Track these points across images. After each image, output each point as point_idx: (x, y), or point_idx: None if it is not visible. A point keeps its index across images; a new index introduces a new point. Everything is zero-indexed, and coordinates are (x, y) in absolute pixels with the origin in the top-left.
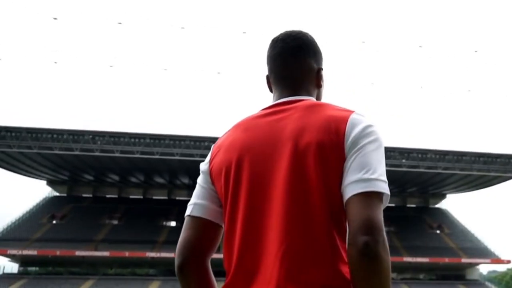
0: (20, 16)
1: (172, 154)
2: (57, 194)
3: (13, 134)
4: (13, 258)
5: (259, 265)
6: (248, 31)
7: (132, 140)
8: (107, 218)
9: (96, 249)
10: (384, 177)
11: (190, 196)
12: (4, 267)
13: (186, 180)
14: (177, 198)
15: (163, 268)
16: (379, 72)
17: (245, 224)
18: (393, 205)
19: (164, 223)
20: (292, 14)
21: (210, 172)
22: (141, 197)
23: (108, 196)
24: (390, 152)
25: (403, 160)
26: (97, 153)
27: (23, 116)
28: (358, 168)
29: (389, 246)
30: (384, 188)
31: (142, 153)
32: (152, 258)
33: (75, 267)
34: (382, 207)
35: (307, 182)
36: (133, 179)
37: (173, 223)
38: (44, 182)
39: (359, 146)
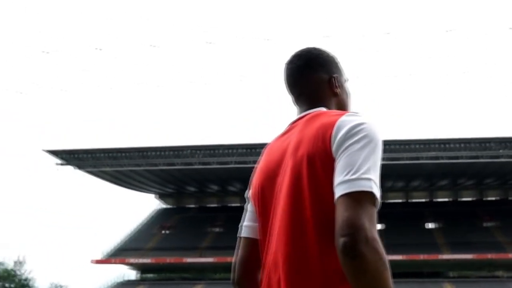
0: (124, 46)
1: None
2: (166, 206)
3: (125, 154)
4: (133, 266)
5: (270, 276)
6: (331, 34)
7: (227, 151)
8: (210, 226)
9: (202, 256)
10: (369, 174)
11: None
12: (124, 275)
13: None
14: None
15: None
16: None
17: (267, 238)
18: (493, 198)
19: None
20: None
21: (250, 197)
22: (239, 205)
23: (210, 205)
24: (486, 143)
25: (500, 151)
26: (196, 166)
27: (132, 137)
28: (341, 171)
29: (492, 241)
30: (366, 185)
31: (236, 162)
32: None
33: (185, 272)
34: (368, 205)
35: (301, 195)
36: (231, 188)
37: None
38: (153, 196)
39: (343, 148)
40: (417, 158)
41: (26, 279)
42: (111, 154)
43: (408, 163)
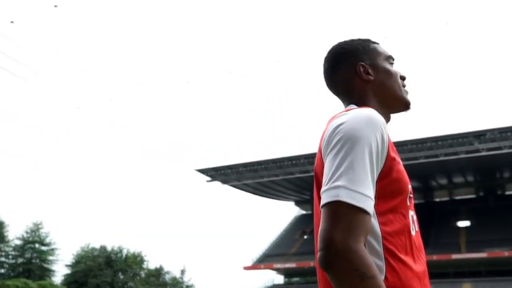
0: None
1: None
2: (304, 212)
3: (263, 166)
4: (278, 271)
5: None
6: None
7: None
8: None
9: None
10: (338, 181)
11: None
12: (273, 279)
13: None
14: (436, 200)
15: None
16: None
17: None
18: None
19: None
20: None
21: None
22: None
23: None
24: None
25: None
26: None
27: (268, 149)
28: (322, 183)
29: None
30: (333, 195)
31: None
32: None
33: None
34: (343, 214)
35: (316, 208)
36: None
37: None
38: (292, 203)
39: (325, 157)
40: None
41: (188, 286)
42: (251, 167)
43: None
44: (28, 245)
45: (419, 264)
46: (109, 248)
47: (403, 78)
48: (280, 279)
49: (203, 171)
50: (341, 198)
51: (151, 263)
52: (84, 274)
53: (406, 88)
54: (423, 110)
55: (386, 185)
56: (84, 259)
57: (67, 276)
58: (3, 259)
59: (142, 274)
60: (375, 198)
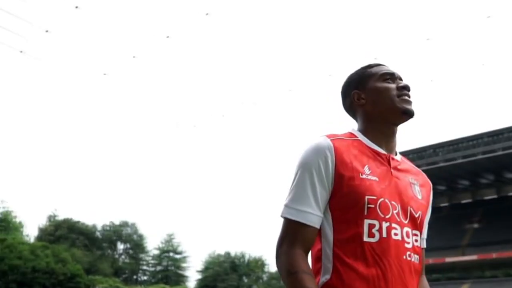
0: None
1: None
2: None
3: None
4: None
5: None
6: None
7: (471, 143)
8: (467, 223)
9: (463, 254)
10: (287, 201)
11: None
12: None
13: None
14: None
15: None
16: None
17: None
18: None
19: None
20: None
21: None
22: (495, 196)
23: (463, 202)
24: None
25: None
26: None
27: None
28: None
29: None
30: (281, 212)
31: (484, 153)
32: None
33: (449, 272)
34: (286, 226)
35: None
36: (483, 181)
37: None
38: None
39: None
40: None
41: None
42: None
43: None
44: (164, 254)
45: (374, 268)
46: (232, 254)
47: (405, 88)
48: None
49: None
50: (282, 215)
51: (272, 267)
52: (213, 279)
53: (407, 98)
54: None
55: (339, 199)
56: (212, 265)
57: (198, 281)
58: (145, 267)
59: (264, 277)
60: (332, 211)
